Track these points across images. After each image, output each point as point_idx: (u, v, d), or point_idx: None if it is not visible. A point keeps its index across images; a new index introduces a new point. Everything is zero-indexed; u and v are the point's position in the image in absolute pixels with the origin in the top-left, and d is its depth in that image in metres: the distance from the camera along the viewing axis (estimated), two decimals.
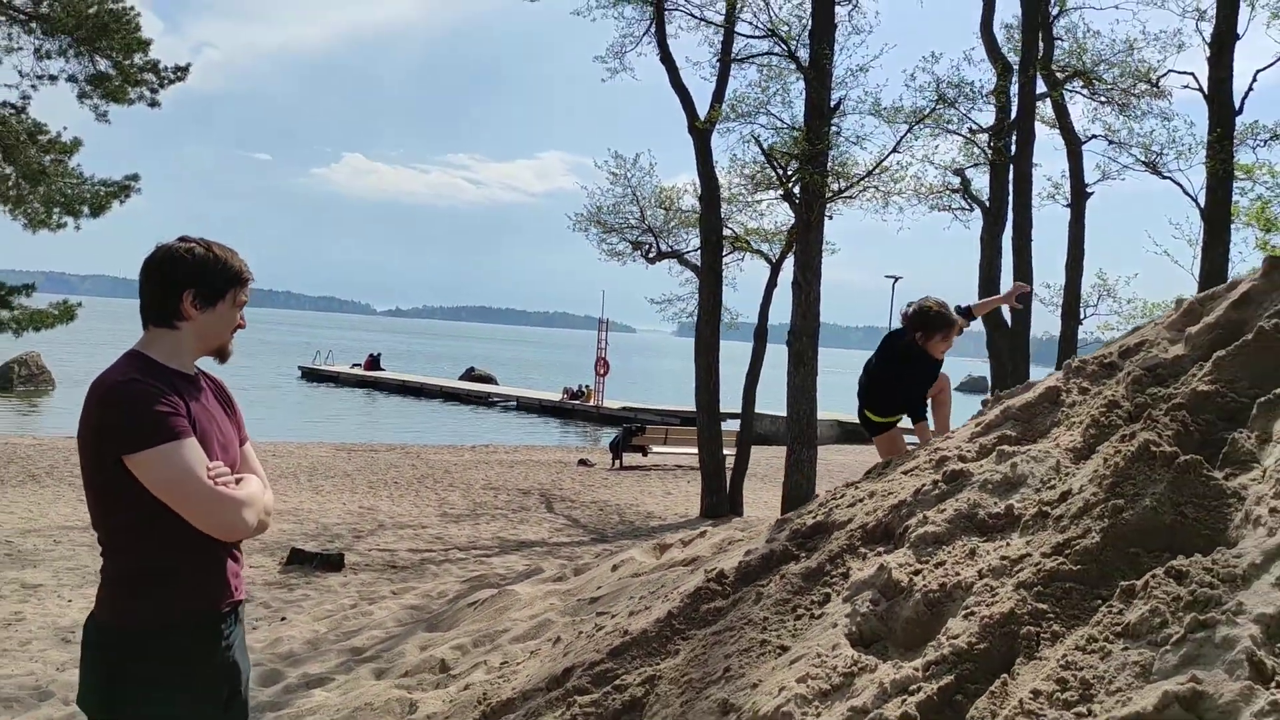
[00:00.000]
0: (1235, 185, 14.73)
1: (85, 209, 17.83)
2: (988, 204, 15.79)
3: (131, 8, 17.64)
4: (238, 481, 2.74)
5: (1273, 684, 2.62)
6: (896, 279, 41.47)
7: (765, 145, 14.87)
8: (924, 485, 4.29)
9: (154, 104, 18.68)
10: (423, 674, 5.24)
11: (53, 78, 18.27)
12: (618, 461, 22.50)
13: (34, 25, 17.71)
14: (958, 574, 3.59)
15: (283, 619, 7.46)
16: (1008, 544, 3.66)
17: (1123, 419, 4.01)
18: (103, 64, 18.19)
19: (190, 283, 2.71)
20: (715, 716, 3.54)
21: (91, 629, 2.69)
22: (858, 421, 6.32)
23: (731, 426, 19.42)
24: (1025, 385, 5.02)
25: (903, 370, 5.82)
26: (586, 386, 44.40)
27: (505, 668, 4.95)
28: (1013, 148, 14.80)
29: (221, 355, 2.87)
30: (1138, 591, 3.05)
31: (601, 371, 41.52)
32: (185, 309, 2.71)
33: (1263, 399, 3.64)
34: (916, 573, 3.70)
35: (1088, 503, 3.52)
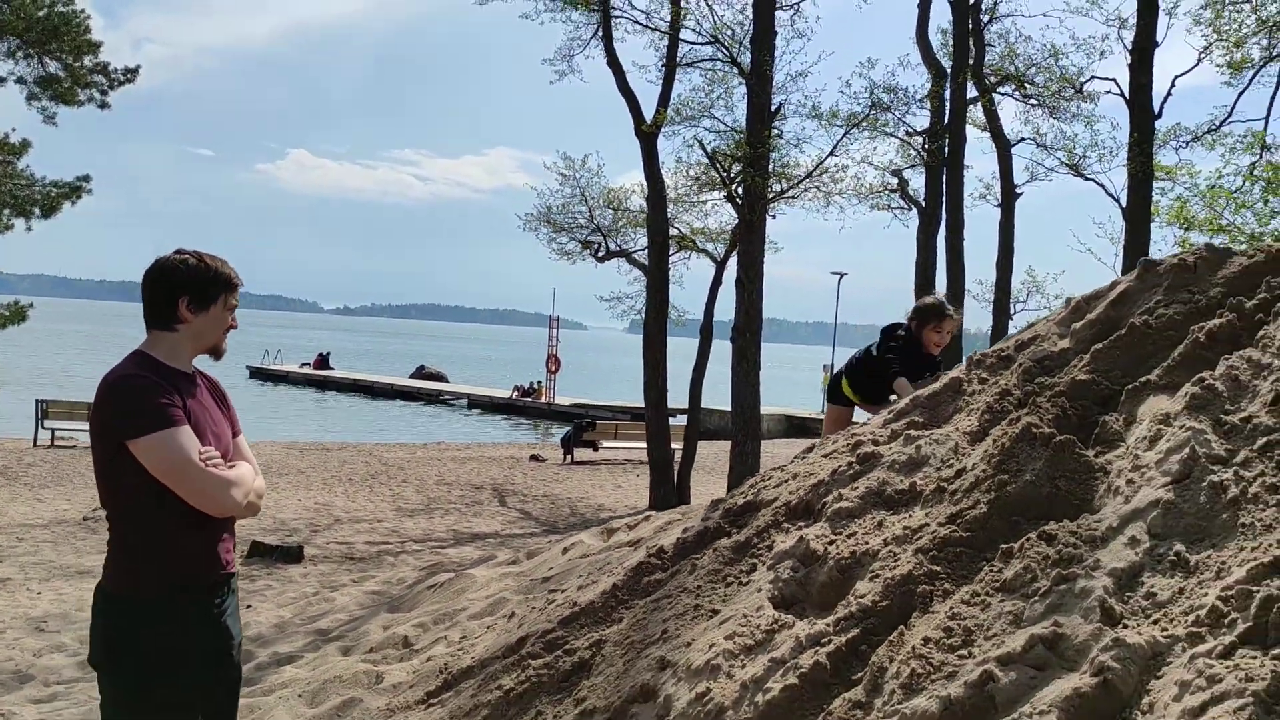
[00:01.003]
0: (1156, 185, 15.47)
1: (36, 210, 17.90)
2: (923, 204, 16.41)
3: (82, 10, 17.72)
4: (230, 467, 3.14)
5: (1119, 625, 3.12)
6: (842, 275, 42.26)
7: (709, 148, 15.37)
8: (840, 466, 4.77)
9: (104, 105, 18.76)
10: (387, 650, 5.64)
11: (1, 80, 18.28)
12: (569, 457, 22.93)
13: None
14: (866, 543, 4.07)
15: (248, 606, 7.80)
16: (910, 516, 4.14)
17: (1013, 405, 4.51)
18: (53, 66, 18.23)
19: (185, 290, 3.09)
20: (654, 671, 4.00)
21: (100, 596, 3.06)
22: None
23: (681, 422, 19.93)
24: (934, 377, 5.52)
25: (892, 360, 6.02)
26: (538, 384, 44.70)
27: (464, 641, 5.37)
28: (945, 150, 15.42)
29: (215, 353, 3.25)
30: (1014, 553, 3.55)
31: (553, 369, 41.84)
32: (182, 313, 3.09)
33: (1130, 386, 4.15)
34: (831, 543, 4.18)
35: (978, 478, 4.02)
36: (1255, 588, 2.91)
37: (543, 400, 42.88)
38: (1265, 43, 17.25)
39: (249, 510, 3.16)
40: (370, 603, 7.29)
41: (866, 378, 6.18)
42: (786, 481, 5.10)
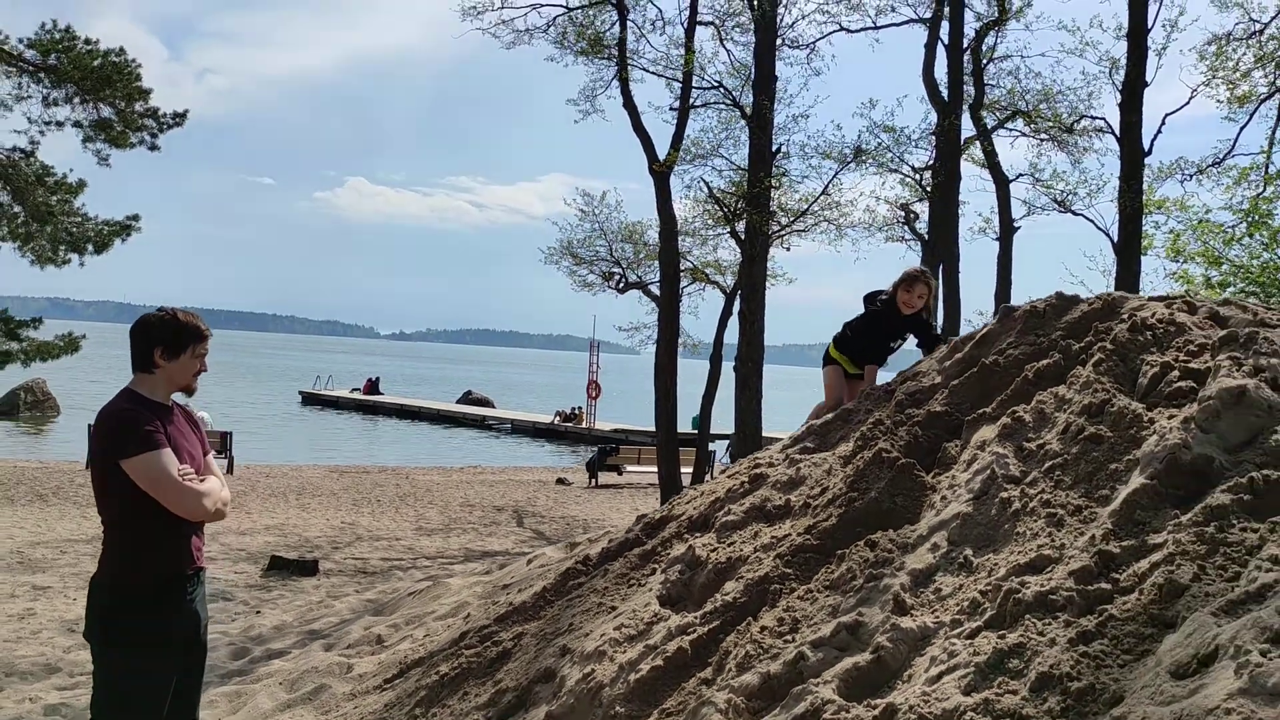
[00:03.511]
0: (1150, 219, 15.97)
1: (90, 247, 19.08)
2: (926, 237, 17.00)
3: (133, 60, 18.91)
4: (201, 481, 3.93)
5: (906, 615, 3.81)
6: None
7: (715, 187, 16.12)
8: (735, 485, 5.47)
9: (154, 148, 19.91)
10: (362, 646, 6.41)
11: (59, 124, 19.48)
12: (594, 480, 23.69)
13: (42, 75, 18.96)
14: (741, 550, 4.76)
15: (257, 612, 8.63)
16: (781, 527, 4.83)
17: (883, 433, 5.18)
18: (106, 111, 19.44)
19: (159, 341, 3.90)
20: (556, 657, 4.72)
21: (95, 585, 3.85)
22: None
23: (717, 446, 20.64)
24: (834, 404, 6.20)
25: (873, 323, 6.73)
26: (579, 409, 45.50)
27: (426, 638, 6.13)
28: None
29: (187, 391, 4.04)
30: (845, 557, 4.24)
31: (593, 394, 42.57)
32: (157, 360, 3.90)
33: (969, 417, 4.82)
34: (714, 550, 4.88)
35: (834, 495, 4.71)
36: (1005, 584, 3.59)
37: (583, 425, 43.62)
38: (1271, 77, 17.71)
39: (217, 515, 3.96)
40: (363, 609, 8.06)
41: (853, 342, 6.87)
42: (695, 498, 5.82)
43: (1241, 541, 3.25)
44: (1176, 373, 4.26)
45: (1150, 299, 5.08)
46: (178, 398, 4.11)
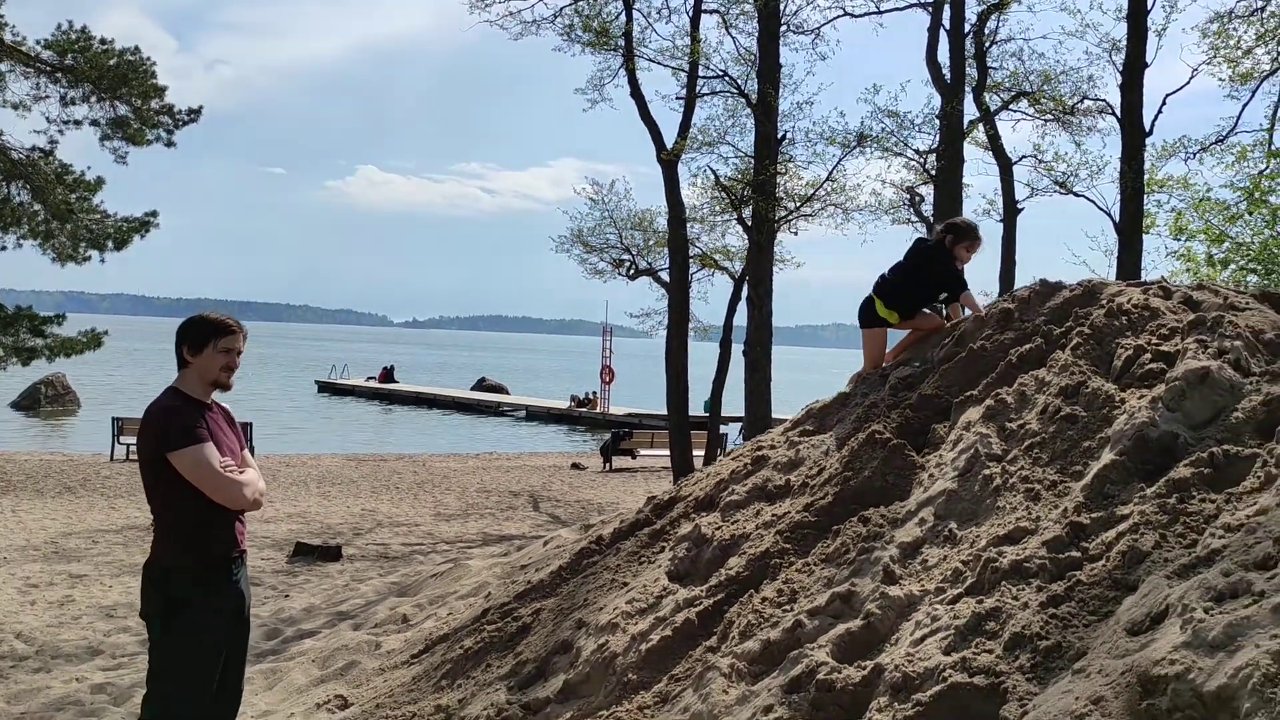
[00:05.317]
0: (1152, 198, 16.17)
1: (110, 243, 19.45)
2: (931, 220, 17.23)
3: (148, 58, 19.23)
4: (241, 472, 4.25)
5: (895, 585, 4.11)
6: None
7: (722, 175, 16.43)
8: (739, 467, 5.79)
9: (170, 144, 20.26)
10: (388, 625, 6.76)
11: (77, 123, 19.82)
12: (608, 464, 24.03)
13: (60, 76, 19.30)
14: (744, 528, 5.08)
15: (286, 596, 8.98)
16: (781, 506, 5.14)
17: (877, 416, 5.48)
18: (123, 109, 19.77)
19: (185, 339, 4.23)
20: (573, 630, 5.04)
21: (149, 568, 4.18)
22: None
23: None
24: (840, 394, 6.49)
25: (921, 270, 6.31)
26: (592, 394, 45.82)
27: (450, 617, 6.46)
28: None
29: (218, 386, 4.34)
30: (840, 532, 4.55)
31: (607, 379, 42.86)
32: (185, 356, 4.23)
33: (957, 400, 5.12)
34: (719, 528, 5.20)
35: (831, 475, 5.02)
36: (985, 554, 3.89)
37: (597, 410, 43.93)
38: (1273, 54, 17.85)
39: (254, 505, 4.28)
40: (387, 591, 8.41)
41: (903, 290, 6.38)
42: (701, 480, 6.14)
43: (1200, 511, 3.53)
44: (1148, 355, 4.55)
45: (1129, 285, 5.35)
46: (216, 395, 4.41)
